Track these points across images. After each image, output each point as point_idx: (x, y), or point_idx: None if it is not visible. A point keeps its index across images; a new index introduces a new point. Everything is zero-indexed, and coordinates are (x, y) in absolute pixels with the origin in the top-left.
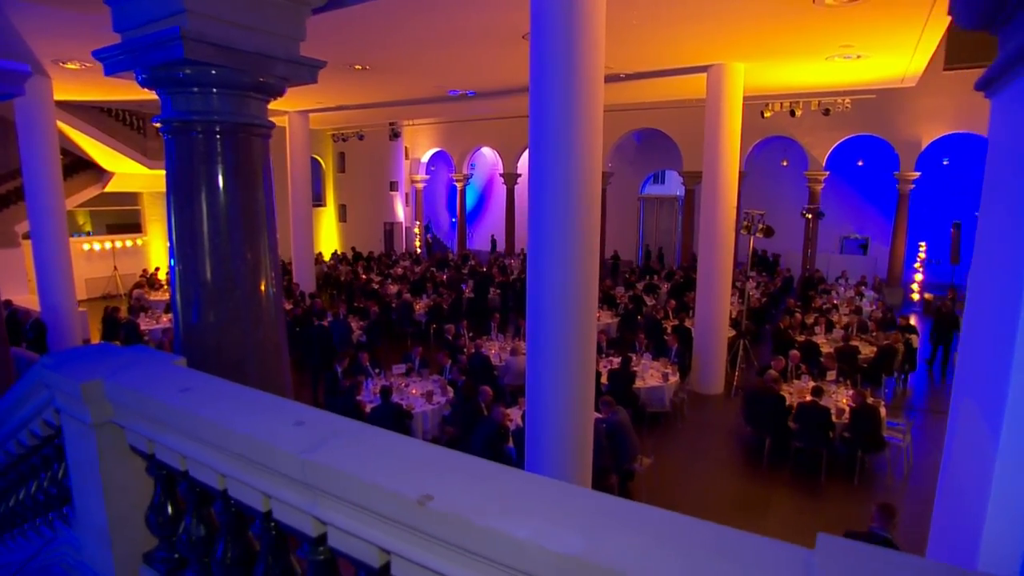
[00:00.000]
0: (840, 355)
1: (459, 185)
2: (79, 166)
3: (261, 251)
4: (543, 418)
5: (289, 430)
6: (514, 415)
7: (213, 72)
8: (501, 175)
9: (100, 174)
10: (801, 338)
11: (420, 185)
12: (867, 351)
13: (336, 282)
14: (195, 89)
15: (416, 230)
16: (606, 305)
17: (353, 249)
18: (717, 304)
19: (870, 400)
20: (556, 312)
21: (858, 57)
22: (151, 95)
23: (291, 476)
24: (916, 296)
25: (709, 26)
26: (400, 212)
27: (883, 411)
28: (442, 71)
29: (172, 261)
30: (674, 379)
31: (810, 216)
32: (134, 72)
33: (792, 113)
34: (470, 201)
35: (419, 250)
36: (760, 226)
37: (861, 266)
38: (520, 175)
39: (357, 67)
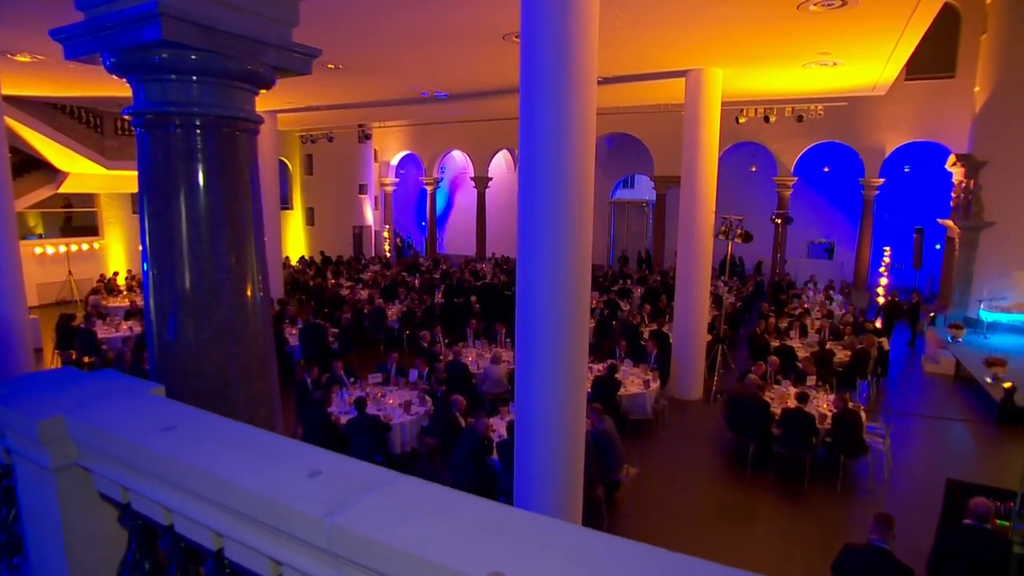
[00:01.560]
0: (816, 359)
1: (429, 188)
2: (30, 165)
3: (247, 260)
4: (533, 430)
5: (303, 483)
6: (496, 425)
7: (194, 57)
8: (471, 178)
9: (53, 174)
10: (776, 343)
11: (389, 188)
12: (841, 355)
13: (304, 287)
14: (173, 77)
15: (385, 234)
16: None
17: (322, 253)
18: (696, 309)
19: (851, 405)
20: (547, 321)
21: (834, 64)
22: (110, 90)
23: (311, 543)
24: (881, 300)
25: (691, 30)
26: (369, 216)
27: (863, 415)
28: (418, 71)
29: (146, 272)
30: (655, 386)
31: (779, 221)
32: (100, 56)
33: (766, 119)
34: (440, 204)
35: (388, 254)
36: (738, 231)
37: (827, 270)
38: (491, 178)
39: (330, 66)
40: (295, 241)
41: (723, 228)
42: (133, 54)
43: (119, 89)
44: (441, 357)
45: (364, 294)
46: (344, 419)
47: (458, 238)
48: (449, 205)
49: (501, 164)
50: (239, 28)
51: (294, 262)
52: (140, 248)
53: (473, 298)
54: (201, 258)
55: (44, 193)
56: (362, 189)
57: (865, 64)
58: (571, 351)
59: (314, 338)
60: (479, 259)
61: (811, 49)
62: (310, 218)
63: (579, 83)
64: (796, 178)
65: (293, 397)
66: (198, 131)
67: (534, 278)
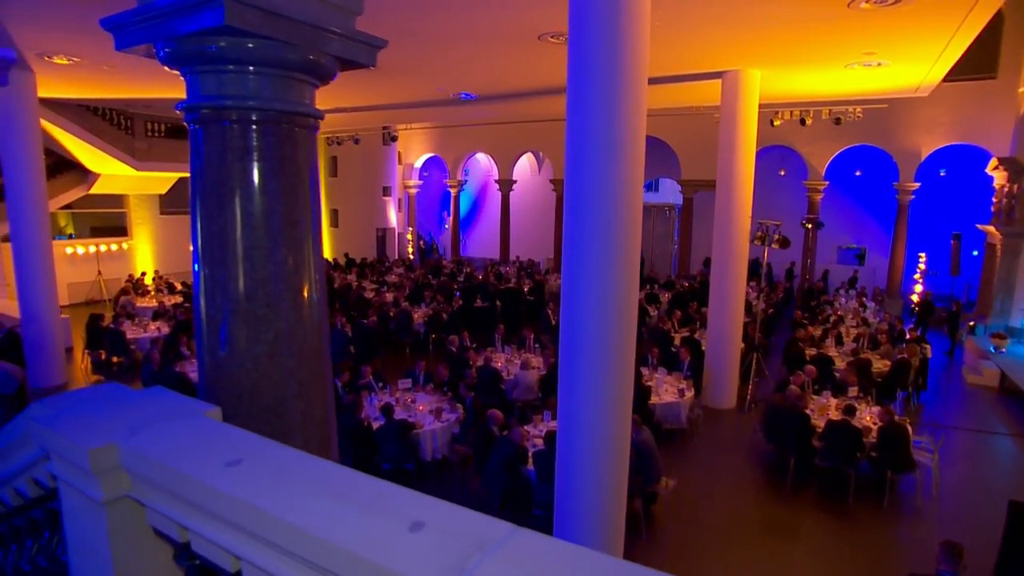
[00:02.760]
0: (857, 369)
1: (453, 191)
2: (62, 166)
3: (306, 268)
4: (577, 442)
5: (406, 538)
6: (528, 433)
7: (253, 46)
8: (496, 181)
9: (85, 175)
10: (812, 351)
11: (413, 191)
12: (879, 364)
13: (329, 289)
14: (230, 68)
15: (409, 236)
16: None
17: (346, 255)
18: (730, 316)
19: (897, 418)
20: (595, 328)
21: (879, 65)
22: (141, 92)
23: None
24: (915, 297)
25: (733, 31)
26: (393, 218)
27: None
28: (449, 73)
29: (197, 279)
30: (690, 394)
31: (810, 226)
32: (154, 47)
33: (802, 122)
34: (464, 207)
35: (412, 256)
36: (776, 237)
37: (860, 276)
38: (515, 181)
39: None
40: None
41: (759, 233)
42: (189, 43)
43: (150, 91)
44: (471, 363)
45: (389, 297)
46: (376, 425)
47: (481, 241)
48: (473, 208)
49: (525, 167)
50: (304, 14)
51: None
52: (191, 251)
53: (497, 302)
54: (258, 266)
55: (76, 194)
56: (386, 191)
57: (911, 65)
58: (618, 360)
59: (337, 342)
60: (503, 262)
61: (856, 49)
62: (334, 220)
63: (630, 82)
64: (827, 182)
65: None
66: (256, 127)
67: (581, 283)
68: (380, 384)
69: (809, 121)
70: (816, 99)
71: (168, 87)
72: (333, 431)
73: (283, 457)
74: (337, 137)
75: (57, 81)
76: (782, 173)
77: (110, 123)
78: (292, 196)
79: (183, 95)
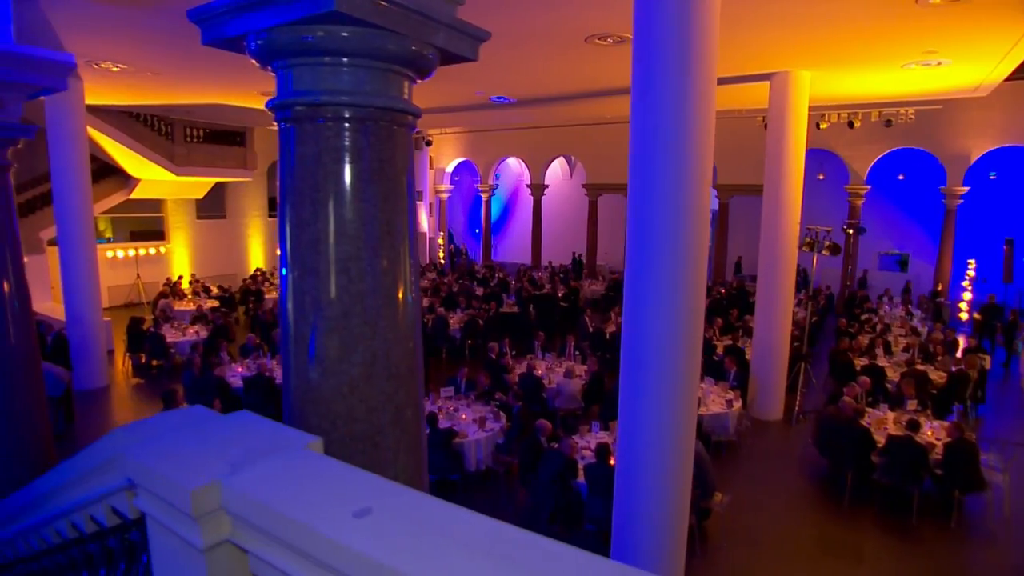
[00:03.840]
0: (916, 382)
1: (484, 196)
2: (105, 172)
3: (403, 282)
4: (640, 457)
5: None
6: (577, 445)
7: (352, 35)
8: (528, 186)
9: (126, 180)
10: (862, 361)
11: (444, 195)
12: (934, 376)
13: None
14: (326, 59)
15: (440, 241)
16: None
17: None
18: (778, 325)
19: (966, 434)
20: (660, 340)
21: (938, 64)
22: (184, 98)
23: None
24: (964, 315)
25: (788, 31)
26: (424, 222)
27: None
28: (490, 77)
29: (285, 293)
30: (738, 405)
31: (851, 232)
32: (246, 39)
33: (850, 124)
34: (495, 212)
35: (443, 261)
36: (826, 243)
37: (901, 283)
38: (547, 186)
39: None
40: None
41: (807, 239)
42: (285, 33)
43: (192, 97)
44: (510, 370)
45: (425, 302)
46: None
47: (512, 246)
48: (504, 212)
49: (557, 171)
50: (411, 1)
51: None
52: (279, 262)
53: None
54: (356, 279)
55: (118, 199)
56: (418, 196)
57: (974, 64)
58: (684, 373)
59: None
60: (535, 267)
61: (916, 48)
62: None
63: (699, 81)
64: (869, 186)
65: None
66: (355, 125)
67: (647, 294)
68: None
69: (857, 124)
70: (865, 100)
71: (209, 93)
72: (424, 460)
73: (419, 506)
74: None
75: (103, 88)
76: (821, 177)
77: (151, 129)
78: (391, 202)
79: (224, 101)
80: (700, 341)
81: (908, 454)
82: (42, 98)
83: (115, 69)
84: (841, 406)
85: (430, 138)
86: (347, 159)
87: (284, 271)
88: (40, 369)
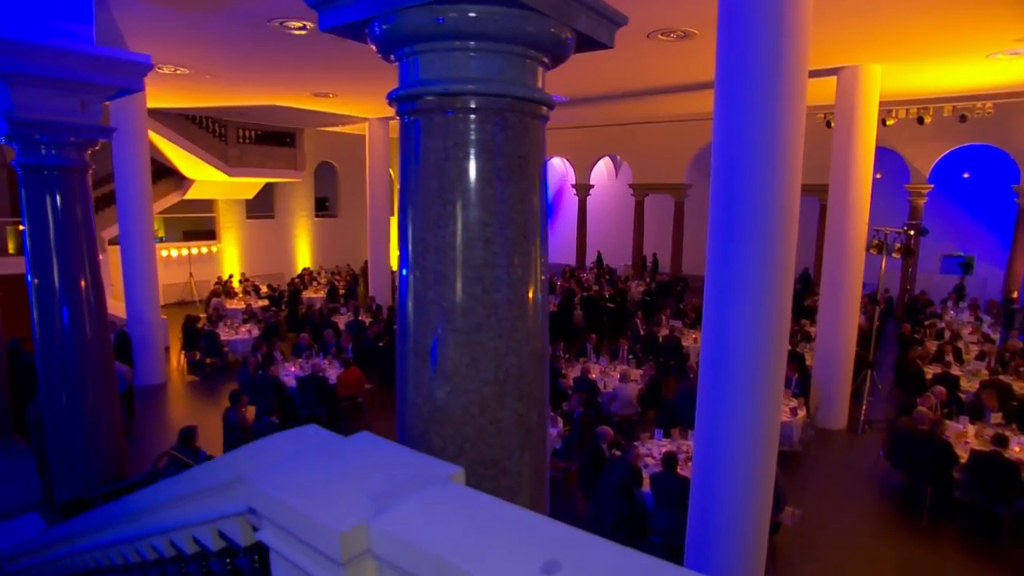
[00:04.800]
0: (995, 392)
1: None
2: (161, 173)
3: (536, 291)
4: (720, 470)
5: None
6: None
7: (484, 16)
8: (573, 186)
9: (180, 181)
10: (933, 370)
11: None
12: (1017, 387)
13: None
14: (459, 44)
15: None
16: (699, 326)
17: None
18: (843, 331)
19: None
20: (746, 347)
21: None
22: (239, 100)
23: None
24: None
25: (863, 20)
26: None
27: None
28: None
29: (405, 300)
30: (802, 413)
31: (912, 233)
32: (370, 24)
33: (920, 120)
34: None
35: None
36: (897, 245)
37: (967, 287)
38: (592, 186)
39: None
40: (394, 247)
41: (875, 241)
42: (414, 15)
43: (246, 98)
44: (563, 373)
45: None
46: None
47: (556, 246)
48: (549, 213)
49: (602, 171)
50: None
51: (394, 268)
52: (400, 266)
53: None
54: (491, 289)
55: (173, 199)
56: None
57: None
58: (769, 383)
59: None
60: (580, 268)
61: (1006, 36)
62: None
63: (791, 75)
64: (932, 186)
65: None
66: (490, 117)
67: (733, 300)
68: None
69: (928, 119)
70: (937, 95)
71: (263, 95)
72: (548, 483)
73: (614, 561)
74: None
75: (163, 91)
76: (878, 176)
77: (205, 130)
78: (527, 202)
79: (278, 102)
80: (785, 352)
81: (996, 471)
82: (106, 102)
83: (176, 72)
84: (916, 417)
85: None
86: (482, 155)
87: (405, 275)
88: (113, 364)
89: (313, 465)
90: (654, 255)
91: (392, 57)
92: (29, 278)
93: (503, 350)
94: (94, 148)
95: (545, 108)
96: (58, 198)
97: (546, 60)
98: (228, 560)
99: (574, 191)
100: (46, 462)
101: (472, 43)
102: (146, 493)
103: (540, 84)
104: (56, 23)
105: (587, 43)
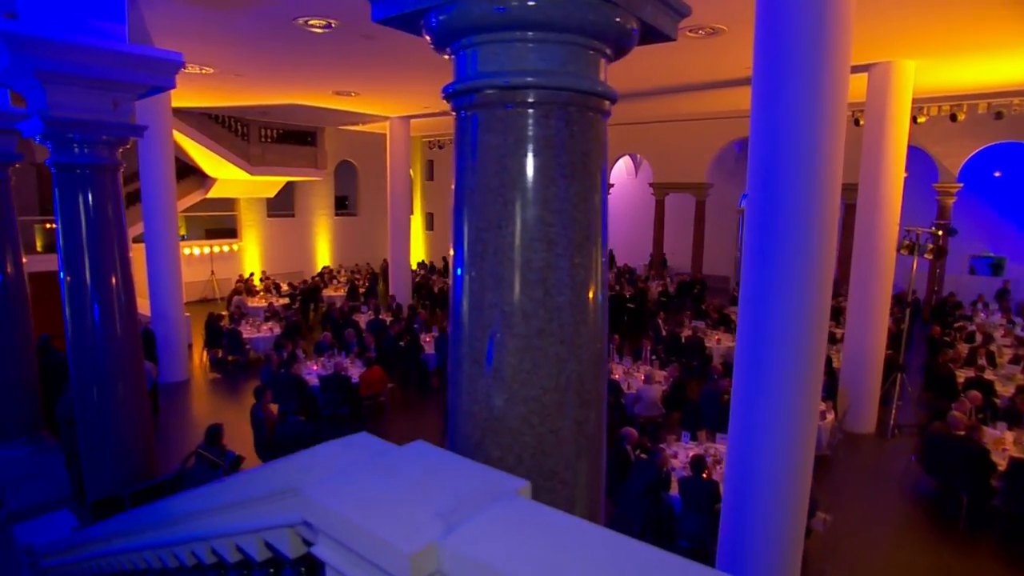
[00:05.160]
0: None
1: None
2: (184, 172)
3: (598, 294)
4: (756, 475)
5: None
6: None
7: (549, 4)
8: None
9: (203, 180)
10: (965, 374)
11: None
12: None
13: (429, 293)
14: (520, 34)
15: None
16: (722, 326)
17: (444, 260)
18: (873, 334)
19: None
20: (784, 353)
21: None
22: (262, 99)
23: None
24: None
25: (892, 15)
26: None
27: None
28: None
29: (459, 300)
30: (831, 417)
31: (940, 233)
32: (425, 16)
33: (953, 118)
34: None
35: None
36: (929, 246)
37: (995, 288)
38: (612, 185)
39: None
40: (414, 246)
41: (906, 242)
42: (472, 5)
43: (270, 98)
44: None
45: None
46: None
47: None
48: None
49: (622, 170)
50: None
51: (413, 266)
52: (454, 268)
53: None
54: (554, 292)
55: (195, 198)
56: None
57: None
58: (808, 391)
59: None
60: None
61: None
62: (429, 223)
63: (833, 71)
64: (961, 185)
65: (441, 408)
66: (552, 111)
67: (771, 304)
68: None
69: (961, 117)
70: (971, 91)
71: (286, 94)
72: (603, 493)
73: None
74: (439, 141)
75: (186, 91)
76: (904, 175)
77: (228, 129)
78: (590, 201)
79: (300, 100)
80: (823, 358)
81: None
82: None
83: (202, 72)
84: (950, 422)
85: None
86: (545, 151)
87: (460, 277)
88: (143, 362)
89: (371, 477)
90: (663, 255)
91: (448, 50)
92: (62, 276)
93: (565, 356)
94: (125, 147)
95: (608, 103)
96: (90, 196)
97: (609, 52)
98: (273, 571)
99: None
100: (75, 458)
101: (534, 33)
102: (188, 498)
103: (603, 77)
104: (89, 21)
105: (650, 34)
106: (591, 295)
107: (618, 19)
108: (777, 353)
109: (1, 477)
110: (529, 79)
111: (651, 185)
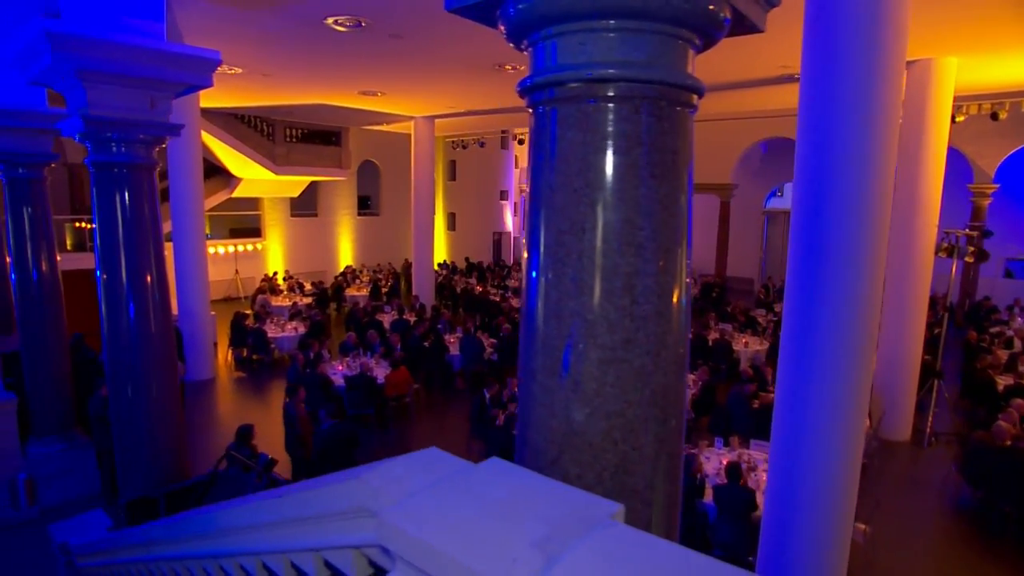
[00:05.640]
0: None
1: None
2: (210, 171)
3: (682, 302)
4: (803, 487)
5: None
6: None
7: None
8: None
9: (228, 179)
10: (1005, 380)
11: None
12: None
13: (451, 293)
14: (602, 23)
15: (524, 240)
16: (749, 329)
17: (467, 260)
18: (909, 337)
19: None
20: (832, 361)
21: None
22: (289, 99)
23: None
24: None
25: (938, 8)
26: (509, 222)
27: None
28: None
29: (533, 307)
30: (866, 424)
31: (975, 235)
32: (502, 5)
33: (994, 116)
34: None
35: None
36: (969, 248)
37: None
38: None
39: (508, 68)
40: (436, 245)
41: (944, 244)
42: None
43: (297, 97)
44: None
45: (515, 302)
46: None
47: None
48: None
49: None
50: None
51: (435, 267)
52: (528, 272)
53: None
54: (641, 301)
55: (221, 197)
56: (503, 195)
57: None
58: (856, 401)
59: (473, 349)
60: None
61: None
62: (451, 223)
63: (887, 69)
64: (997, 185)
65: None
66: (638, 105)
67: (819, 311)
68: None
69: (1003, 115)
70: (1014, 89)
71: (312, 93)
72: (679, 502)
73: None
74: (463, 141)
75: (215, 91)
76: None
77: (254, 129)
78: (678, 203)
79: (325, 100)
80: (872, 366)
81: None
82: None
83: (230, 72)
84: (995, 432)
85: (523, 137)
86: (633, 149)
87: (536, 283)
88: (176, 361)
89: (451, 499)
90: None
91: (525, 42)
92: (98, 274)
93: (650, 368)
94: (161, 145)
95: (696, 96)
96: (127, 195)
97: (698, 42)
98: None
99: None
100: (106, 456)
101: (622, 22)
102: (240, 512)
103: (691, 69)
104: (128, 20)
105: (740, 25)
106: (676, 302)
107: (712, 7)
108: (825, 361)
109: (35, 473)
110: (616, 71)
111: None
